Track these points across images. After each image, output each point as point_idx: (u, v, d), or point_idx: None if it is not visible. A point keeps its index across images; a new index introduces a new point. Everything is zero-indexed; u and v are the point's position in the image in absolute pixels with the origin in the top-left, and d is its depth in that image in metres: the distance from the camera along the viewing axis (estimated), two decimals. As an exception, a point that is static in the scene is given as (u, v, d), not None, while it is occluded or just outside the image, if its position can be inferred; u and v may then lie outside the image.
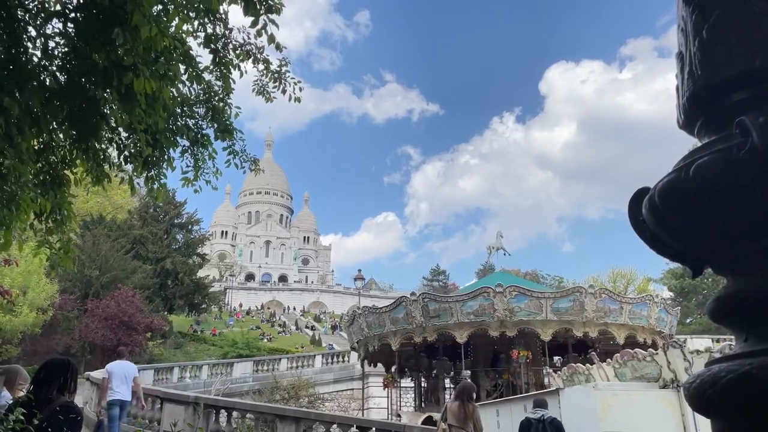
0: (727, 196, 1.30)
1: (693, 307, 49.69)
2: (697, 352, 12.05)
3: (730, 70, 1.41)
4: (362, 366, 24.74)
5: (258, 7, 5.32)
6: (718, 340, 30.06)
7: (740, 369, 1.25)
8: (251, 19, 5.46)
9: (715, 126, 1.46)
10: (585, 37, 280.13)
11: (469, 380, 13.55)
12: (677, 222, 1.42)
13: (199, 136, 6.39)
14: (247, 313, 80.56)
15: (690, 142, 1.50)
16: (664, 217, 1.44)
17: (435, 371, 22.25)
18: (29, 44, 4.86)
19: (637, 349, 13.39)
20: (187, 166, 6.44)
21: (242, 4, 5.30)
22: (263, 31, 5.51)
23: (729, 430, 1.32)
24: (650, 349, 13.59)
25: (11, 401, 4.97)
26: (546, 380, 17.57)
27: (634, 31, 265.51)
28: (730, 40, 1.41)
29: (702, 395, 1.32)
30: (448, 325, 18.04)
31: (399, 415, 20.02)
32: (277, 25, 5.53)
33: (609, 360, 13.37)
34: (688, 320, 48.96)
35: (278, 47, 6.03)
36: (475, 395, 8.33)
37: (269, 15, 5.43)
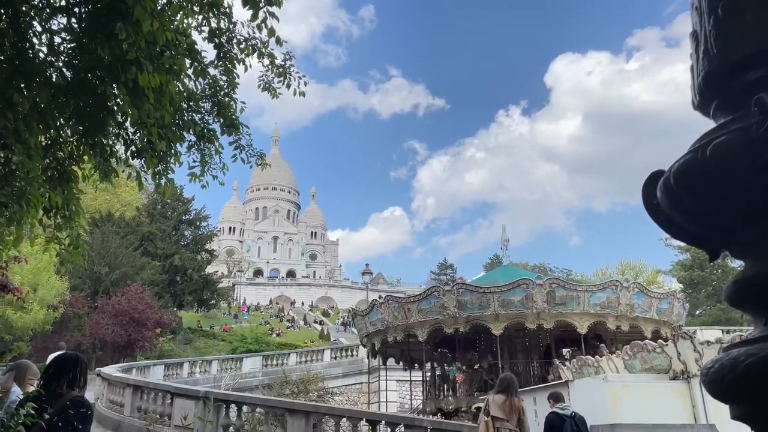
0: (745, 176, 1.27)
1: (702, 299, 49.42)
2: (707, 343, 11.96)
3: (746, 47, 1.37)
4: (374, 359, 24.63)
5: (257, -1, 5.28)
6: (728, 331, 29.88)
7: (761, 353, 1.22)
8: (252, 12, 5.43)
9: (731, 105, 1.42)
10: (591, 29, 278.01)
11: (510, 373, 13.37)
12: (694, 204, 1.39)
13: (205, 131, 6.40)
14: (257, 308, 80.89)
15: (699, 131, 1.46)
16: (679, 199, 1.40)
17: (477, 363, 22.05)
18: (35, 40, 4.86)
19: (646, 341, 13.33)
20: (194, 162, 6.45)
21: (242, -4, 5.27)
22: (263, 24, 5.48)
23: (748, 415, 1.29)
24: (660, 341, 13.52)
25: (21, 396, 5.00)
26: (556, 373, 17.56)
27: (640, 22, 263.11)
28: (747, 17, 1.37)
29: (720, 380, 1.29)
30: (572, 314, 17.75)
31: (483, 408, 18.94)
32: (277, 18, 5.50)
33: (618, 352, 13.32)
34: (697, 312, 48.71)
35: (278, 41, 6.00)
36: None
37: (269, 8, 5.39)
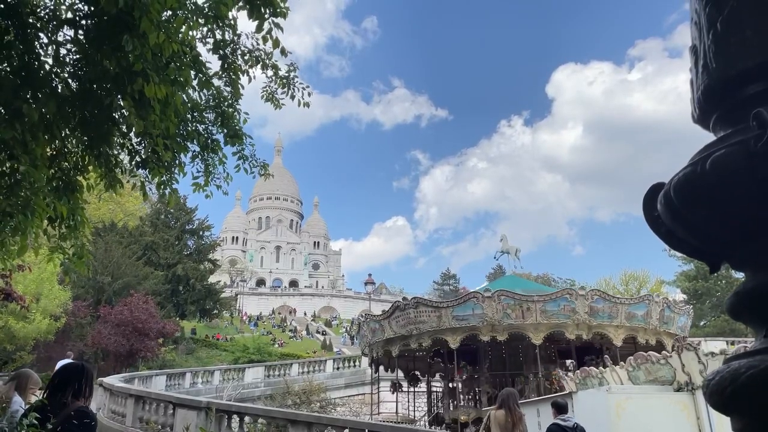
0: (744, 190, 1.28)
1: (707, 310, 49.12)
2: (712, 354, 11.89)
3: (745, 62, 1.38)
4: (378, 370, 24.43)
5: (263, 10, 5.33)
6: (732, 343, 29.70)
7: (761, 365, 1.22)
8: (257, 23, 5.48)
9: (731, 119, 1.43)
10: (593, 39, 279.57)
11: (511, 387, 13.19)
12: (694, 217, 1.40)
13: (209, 141, 6.43)
14: (258, 318, 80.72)
15: (701, 143, 1.48)
16: (680, 212, 1.41)
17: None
18: (41, 51, 4.91)
19: (651, 352, 13.26)
20: (198, 172, 6.49)
21: (247, 8, 5.32)
22: (268, 35, 5.53)
23: (750, 427, 1.29)
24: (664, 352, 13.45)
25: (23, 405, 5.00)
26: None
27: (642, 32, 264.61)
28: (746, 32, 1.39)
29: (721, 392, 1.29)
30: (668, 333, 19.09)
31: None
32: (281, 29, 5.54)
33: (622, 363, 13.25)
34: (702, 323, 48.40)
35: (283, 52, 6.05)
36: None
37: (274, 19, 5.44)
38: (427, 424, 21.90)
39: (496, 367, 21.53)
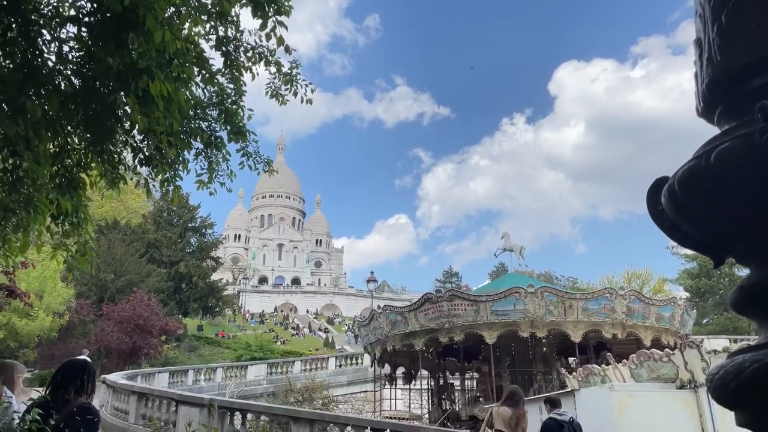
0: (749, 183, 1.27)
1: (710, 307, 49.06)
2: (714, 352, 11.88)
3: (750, 55, 1.37)
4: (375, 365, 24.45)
5: (267, 9, 5.33)
6: (735, 340, 29.66)
7: (766, 358, 1.21)
8: (261, 21, 5.47)
9: (735, 112, 1.42)
10: (596, 37, 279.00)
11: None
12: (698, 210, 1.39)
13: (212, 138, 6.43)
14: (260, 316, 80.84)
15: (705, 138, 1.47)
16: (684, 205, 1.41)
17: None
18: (44, 48, 4.92)
19: (653, 350, 13.26)
20: (202, 169, 6.49)
21: (251, 6, 5.32)
22: (272, 33, 5.53)
23: (754, 422, 1.28)
24: (667, 350, 13.45)
25: (12, 397, 4.99)
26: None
27: (645, 30, 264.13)
28: (750, 24, 1.38)
29: (726, 387, 1.28)
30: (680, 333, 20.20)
31: None
32: (286, 27, 5.54)
33: (625, 361, 13.25)
34: (704, 320, 48.35)
35: (287, 50, 6.05)
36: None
37: (278, 17, 5.44)
38: (440, 421, 21.78)
39: (507, 364, 21.63)
